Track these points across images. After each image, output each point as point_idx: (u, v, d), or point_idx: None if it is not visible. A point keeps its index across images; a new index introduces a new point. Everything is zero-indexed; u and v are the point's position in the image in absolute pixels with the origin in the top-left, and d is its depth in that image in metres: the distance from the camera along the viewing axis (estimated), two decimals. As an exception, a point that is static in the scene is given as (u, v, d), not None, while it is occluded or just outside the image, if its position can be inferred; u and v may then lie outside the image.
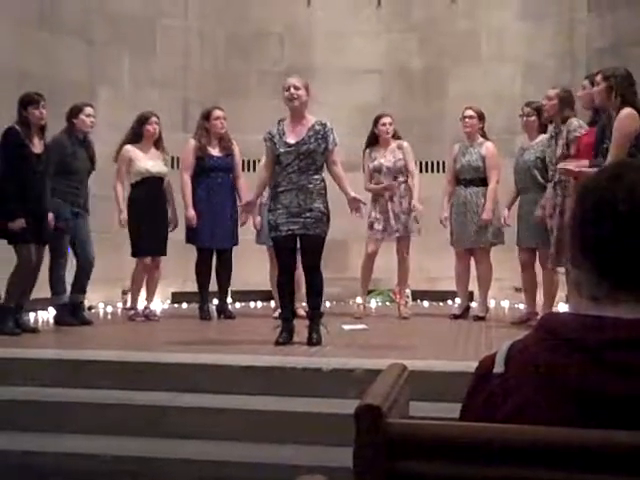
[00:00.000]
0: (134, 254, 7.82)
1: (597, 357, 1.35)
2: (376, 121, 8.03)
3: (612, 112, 5.74)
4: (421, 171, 9.83)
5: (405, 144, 8.00)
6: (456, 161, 7.94)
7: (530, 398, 1.38)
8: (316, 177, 6.01)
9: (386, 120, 7.97)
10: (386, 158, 7.94)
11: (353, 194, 6.08)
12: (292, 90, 6.05)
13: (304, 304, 7.28)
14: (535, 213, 7.00)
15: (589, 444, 1.29)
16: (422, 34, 10.43)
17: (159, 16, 10.03)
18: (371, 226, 7.90)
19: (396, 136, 8.05)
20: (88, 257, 7.36)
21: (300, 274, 6.55)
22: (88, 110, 7.38)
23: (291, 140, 6.02)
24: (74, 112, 7.31)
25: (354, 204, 6.09)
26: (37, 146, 6.71)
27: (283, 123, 6.16)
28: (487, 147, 7.85)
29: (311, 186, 5.96)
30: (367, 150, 8.06)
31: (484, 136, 7.96)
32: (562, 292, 7.12)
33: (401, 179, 7.93)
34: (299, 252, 6.15)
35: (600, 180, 1.47)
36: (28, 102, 6.66)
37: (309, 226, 5.92)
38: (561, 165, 6.14)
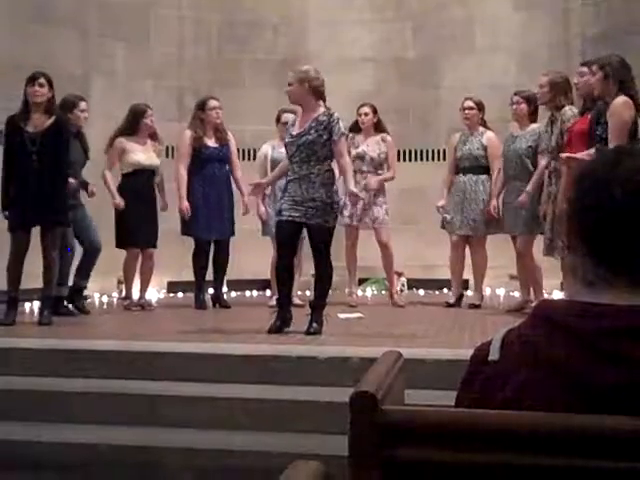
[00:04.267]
0: (119, 245, 7.78)
1: (593, 345, 1.35)
2: (358, 109, 8.06)
3: (609, 100, 5.71)
4: (416, 159, 9.86)
5: (389, 138, 8.02)
6: (457, 150, 7.96)
7: (525, 385, 1.38)
8: (318, 167, 5.97)
9: (362, 110, 8.03)
10: (370, 147, 7.97)
11: (353, 189, 6.13)
12: (287, 87, 6.09)
13: (300, 293, 7.31)
14: (519, 199, 7.01)
15: (586, 430, 1.30)
16: (416, 23, 10.42)
17: (153, 5, 10.00)
18: (341, 211, 7.91)
19: (381, 128, 8.06)
20: (93, 243, 7.35)
21: (298, 263, 6.57)
22: (82, 105, 7.36)
23: (294, 132, 6.05)
24: (68, 106, 7.25)
25: (352, 199, 6.24)
26: (37, 126, 6.60)
27: (298, 113, 6.25)
28: (489, 137, 7.89)
29: (313, 176, 5.95)
30: (350, 135, 8.06)
31: (485, 125, 7.99)
32: (557, 279, 7.14)
33: (380, 171, 7.96)
34: (300, 241, 6.19)
35: (597, 165, 1.47)
36: (26, 81, 6.63)
37: (309, 216, 5.92)
38: (564, 155, 6.06)
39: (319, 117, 6.02)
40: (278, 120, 7.79)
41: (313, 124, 6.00)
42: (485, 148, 7.84)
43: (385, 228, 7.95)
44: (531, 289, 7.34)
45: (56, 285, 7.13)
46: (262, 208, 7.65)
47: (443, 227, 8.02)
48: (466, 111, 7.93)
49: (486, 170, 7.84)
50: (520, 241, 7.25)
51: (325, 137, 5.98)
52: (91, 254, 7.36)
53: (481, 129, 7.95)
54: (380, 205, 7.92)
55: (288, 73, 6.20)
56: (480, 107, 7.94)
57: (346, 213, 7.81)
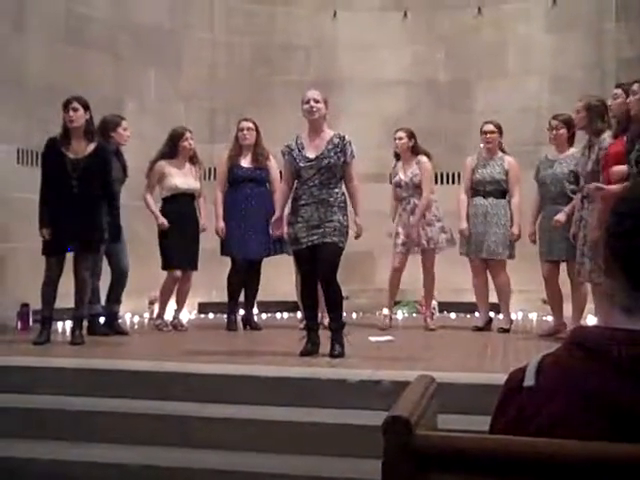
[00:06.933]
0: (164, 267, 7.89)
1: (630, 372, 1.34)
2: (394, 134, 8.09)
3: None
4: (448, 182, 9.83)
5: (423, 159, 7.98)
6: (474, 172, 7.93)
7: (562, 412, 1.37)
8: (336, 191, 6.01)
9: (397, 135, 8.04)
10: (405, 173, 7.98)
11: (358, 220, 6.10)
12: (312, 103, 6.04)
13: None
14: (556, 217, 6.95)
15: (621, 458, 1.28)
16: (448, 46, 10.43)
17: (186, 29, 10.10)
18: (394, 239, 7.94)
19: (418, 151, 8.03)
20: (122, 267, 7.41)
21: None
22: (125, 124, 7.50)
23: (311, 154, 6.02)
24: (111, 126, 7.40)
25: (356, 230, 6.14)
26: (77, 151, 6.67)
27: (301, 137, 6.17)
28: (510, 162, 7.87)
29: (332, 199, 5.97)
30: (394, 164, 8.11)
31: (502, 149, 7.96)
32: (590, 304, 7.06)
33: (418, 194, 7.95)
34: None
35: (636, 191, 1.46)
36: (62, 107, 6.70)
37: (326, 235, 5.91)
38: (592, 186, 6.03)
39: (333, 139, 6.05)
40: None
41: (330, 146, 6.01)
42: (507, 172, 7.81)
43: (433, 251, 7.92)
44: (565, 313, 7.26)
45: (88, 304, 7.22)
46: (285, 229, 7.62)
47: (462, 253, 8.00)
48: (487, 135, 7.91)
49: (505, 194, 7.83)
50: (569, 268, 7.10)
51: (342, 159, 6.00)
52: (119, 279, 7.42)
53: (500, 153, 7.93)
54: (432, 224, 7.90)
55: (310, 92, 6.13)
56: (500, 131, 7.93)
57: (399, 241, 7.82)
